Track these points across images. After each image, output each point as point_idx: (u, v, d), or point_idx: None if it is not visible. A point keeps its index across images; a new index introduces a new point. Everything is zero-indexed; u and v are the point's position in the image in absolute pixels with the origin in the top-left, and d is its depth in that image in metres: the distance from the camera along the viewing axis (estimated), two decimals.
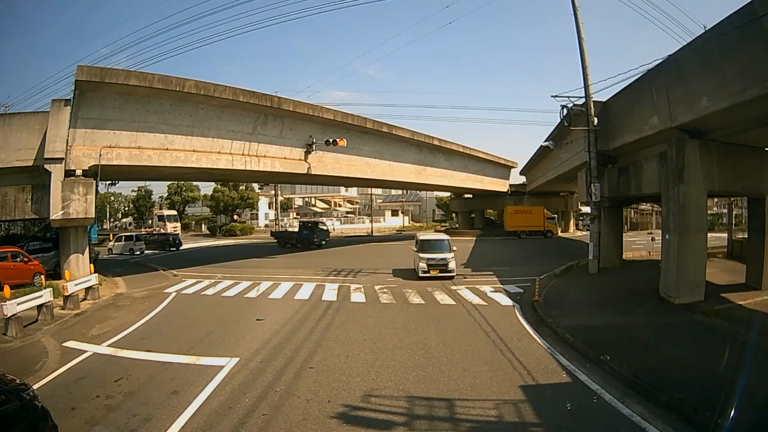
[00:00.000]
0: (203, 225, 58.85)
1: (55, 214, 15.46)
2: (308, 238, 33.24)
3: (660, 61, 12.17)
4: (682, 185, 11.76)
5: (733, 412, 4.90)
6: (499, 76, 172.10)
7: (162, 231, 43.27)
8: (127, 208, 65.34)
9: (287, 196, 69.89)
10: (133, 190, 61.62)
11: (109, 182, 32.81)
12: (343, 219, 64.98)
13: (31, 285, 15.19)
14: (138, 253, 32.79)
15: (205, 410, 6.12)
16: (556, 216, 42.40)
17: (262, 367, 7.82)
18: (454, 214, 58.03)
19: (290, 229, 39.36)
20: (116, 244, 33.94)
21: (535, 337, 9.49)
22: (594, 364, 7.56)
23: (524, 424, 5.71)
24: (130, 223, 59.24)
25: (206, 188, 58.96)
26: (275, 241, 37.14)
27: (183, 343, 9.37)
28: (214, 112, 18.60)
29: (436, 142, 32.13)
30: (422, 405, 6.27)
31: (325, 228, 36.46)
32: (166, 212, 47.41)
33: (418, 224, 67.72)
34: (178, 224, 47.36)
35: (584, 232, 37.28)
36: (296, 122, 21.51)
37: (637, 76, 13.70)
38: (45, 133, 15.51)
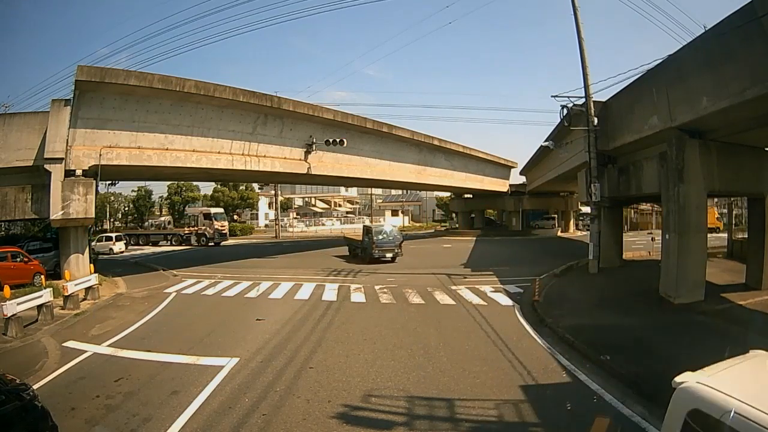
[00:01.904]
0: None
1: (55, 214, 15.46)
2: (368, 248, 23.39)
3: (660, 60, 12.19)
4: (682, 185, 11.75)
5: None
6: (499, 76, 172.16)
7: (208, 229, 38.64)
8: (127, 208, 65.17)
9: (287, 196, 69.92)
10: (133, 190, 61.54)
11: (109, 182, 32.70)
12: (343, 219, 65.03)
13: (31, 285, 15.19)
14: (117, 251, 32.73)
15: (205, 410, 6.12)
16: (721, 214, 42.14)
17: (262, 367, 7.82)
18: (454, 214, 58.04)
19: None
20: (98, 243, 33.98)
21: (535, 337, 9.49)
22: (594, 364, 7.56)
23: (524, 424, 5.71)
24: (169, 222, 50.67)
25: (206, 188, 58.88)
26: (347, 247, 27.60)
27: (183, 343, 9.37)
28: (214, 112, 18.60)
29: (436, 142, 32.11)
30: (422, 405, 6.27)
31: (394, 234, 24.49)
32: (213, 210, 42.12)
33: (418, 224, 67.78)
34: (226, 223, 42.08)
35: (584, 232, 37.30)
36: (296, 122, 21.50)
37: (637, 76, 13.71)
38: (45, 133, 15.50)
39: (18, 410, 4.54)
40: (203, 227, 38.96)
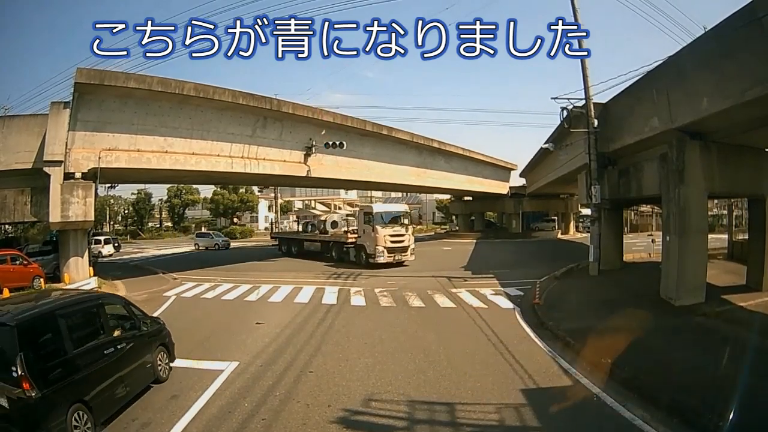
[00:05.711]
0: (203, 228, 58.96)
1: (55, 217, 15.44)
2: None
3: (660, 62, 12.19)
4: (682, 187, 11.72)
5: (734, 414, 4.87)
6: (498, 76, 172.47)
7: (368, 239, 22.46)
8: (126, 211, 65.25)
9: (287, 199, 69.75)
10: (132, 193, 61.60)
11: (109, 185, 32.67)
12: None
13: (31, 288, 15.14)
14: (106, 254, 32.67)
15: (205, 415, 6.07)
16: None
17: (261, 371, 7.78)
18: (454, 217, 58.08)
19: None
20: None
21: (536, 340, 9.44)
22: (595, 367, 7.51)
23: (525, 428, 5.67)
24: (335, 222, 32.69)
25: (206, 191, 59.04)
26: None
27: (182, 347, 9.25)
28: (214, 115, 18.60)
29: (435, 145, 32.14)
30: (423, 409, 6.22)
31: None
32: (381, 208, 25.30)
33: (418, 226, 67.71)
34: (403, 229, 23.20)
35: (584, 234, 37.27)
36: (296, 125, 21.50)
37: (638, 78, 13.72)
38: (44, 135, 15.49)
39: (159, 330, 7.67)
40: (361, 234, 23.35)
